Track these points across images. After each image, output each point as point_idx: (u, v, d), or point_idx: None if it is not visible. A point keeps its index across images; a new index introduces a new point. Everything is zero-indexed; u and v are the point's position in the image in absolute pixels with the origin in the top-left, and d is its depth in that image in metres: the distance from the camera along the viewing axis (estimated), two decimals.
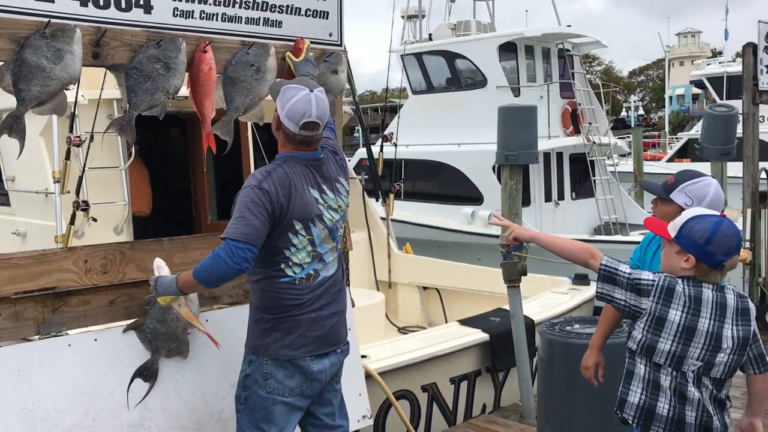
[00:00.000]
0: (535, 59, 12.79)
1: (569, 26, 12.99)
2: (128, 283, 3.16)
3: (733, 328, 2.47)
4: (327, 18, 3.76)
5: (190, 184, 7.98)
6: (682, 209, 2.81)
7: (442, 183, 12.95)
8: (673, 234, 2.50)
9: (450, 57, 13.15)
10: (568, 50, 13.11)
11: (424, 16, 14.01)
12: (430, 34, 13.99)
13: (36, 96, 2.78)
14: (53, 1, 2.89)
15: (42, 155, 6.25)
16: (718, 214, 2.56)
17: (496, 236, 11.93)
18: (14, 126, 2.82)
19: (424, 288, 8.40)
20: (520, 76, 12.60)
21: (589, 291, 6.73)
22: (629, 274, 2.49)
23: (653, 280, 2.46)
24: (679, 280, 2.46)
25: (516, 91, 12.39)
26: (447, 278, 8.25)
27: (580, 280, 6.96)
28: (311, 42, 3.69)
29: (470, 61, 12.79)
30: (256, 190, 2.82)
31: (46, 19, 2.82)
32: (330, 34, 3.78)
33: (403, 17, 13.81)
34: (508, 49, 12.53)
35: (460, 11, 14.70)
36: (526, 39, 12.38)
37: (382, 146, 9.13)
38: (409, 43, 13.80)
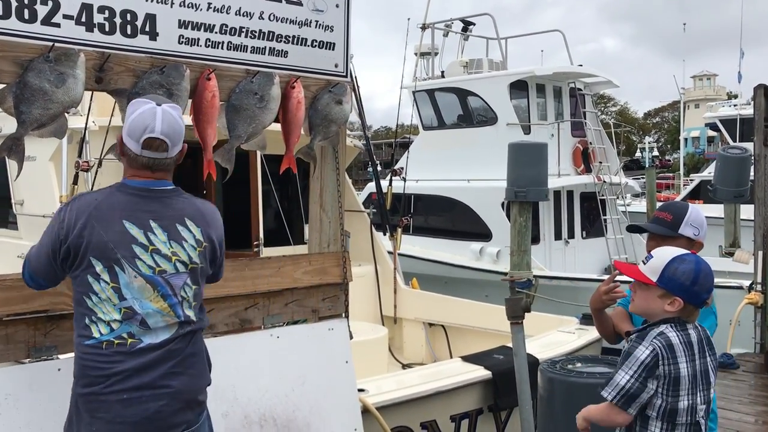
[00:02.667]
0: (546, 98, 12.83)
1: (581, 65, 13.05)
2: None
3: (712, 360, 2.48)
4: (333, 49, 3.78)
5: None
6: (691, 240, 2.82)
7: (451, 218, 12.92)
8: (654, 278, 2.44)
9: (462, 94, 13.23)
10: (579, 89, 13.15)
11: (437, 54, 14.13)
12: (442, 71, 14.10)
13: (37, 118, 2.80)
14: (59, 26, 2.92)
15: (51, 179, 6.31)
16: (686, 250, 2.54)
17: (505, 273, 11.85)
18: (14, 147, 2.84)
19: (430, 324, 8.31)
20: (531, 114, 12.63)
21: (596, 331, 6.62)
22: (632, 379, 2.36)
23: (653, 352, 2.37)
24: (668, 330, 2.41)
25: (526, 129, 12.41)
26: (453, 315, 8.17)
27: (588, 319, 6.85)
28: (318, 74, 3.71)
29: (481, 98, 12.86)
30: (57, 214, 2.47)
31: (51, 43, 2.85)
32: (336, 65, 3.80)
33: (416, 54, 13.93)
34: (519, 87, 12.60)
35: (473, 49, 14.83)
36: (537, 77, 12.44)
37: (391, 180, 9.13)
38: (422, 79, 13.89)
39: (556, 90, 12.95)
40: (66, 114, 2.88)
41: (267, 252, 7.46)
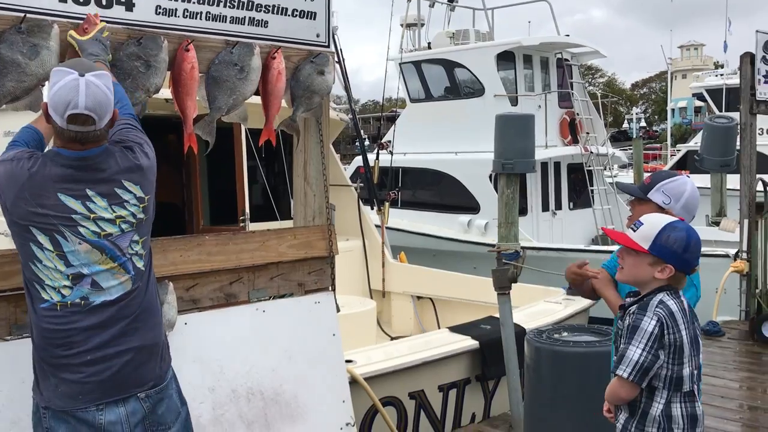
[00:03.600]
0: (533, 68, 12.77)
1: (567, 35, 12.98)
2: None
3: (698, 326, 2.48)
4: (314, 18, 3.71)
5: (183, 189, 7.95)
6: (661, 208, 2.82)
7: (438, 191, 12.90)
8: (645, 245, 2.43)
9: (449, 66, 13.14)
10: (566, 60, 13.10)
11: (423, 25, 14.00)
12: (429, 43, 13.98)
13: (10, 92, 2.74)
14: None
15: None
16: (675, 217, 2.54)
17: (492, 245, 11.87)
18: None
19: (418, 297, 8.34)
20: (518, 85, 12.58)
21: (583, 301, 6.66)
22: (644, 352, 2.35)
23: (659, 321, 2.36)
24: (666, 298, 2.40)
25: (514, 101, 12.36)
26: (441, 288, 8.19)
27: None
28: (299, 44, 3.64)
29: (468, 69, 12.77)
30: None
31: (23, 14, 2.77)
32: (317, 35, 3.74)
33: (402, 25, 13.80)
34: (506, 59, 12.52)
35: (460, 20, 14.70)
36: (524, 48, 12.37)
37: (378, 154, 9.09)
38: (408, 51, 13.77)
39: (543, 61, 12.89)
40: (41, 87, 2.81)
41: (254, 227, 7.41)
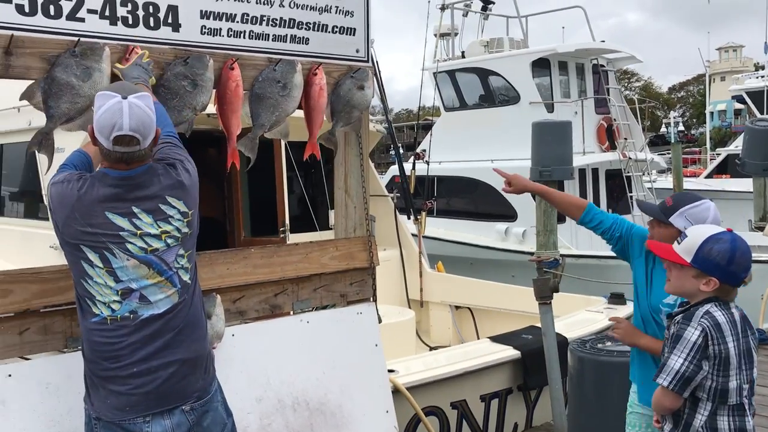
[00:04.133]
0: (569, 75, 12.71)
1: (603, 41, 12.89)
2: None
3: (753, 339, 2.45)
4: (354, 34, 3.78)
5: (225, 201, 8.08)
6: (682, 233, 2.79)
7: (475, 200, 12.88)
8: (688, 258, 2.42)
9: (483, 74, 13.14)
10: (602, 66, 13.00)
11: (456, 34, 14.03)
12: (462, 52, 14.01)
13: (65, 113, 2.85)
14: (83, 21, 2.96)
15: None
16: (722, 228, 2.52)
17: (531, 253, 11.81)
18: (43, 142, 2.89)
19: (457, 307, 8.33)
20: (553, 92, 12.52)
21: (625, 310, 6.59)
22: (686, 362, 2.33)
23: (703, 332, 2.35)
24: (713, 309, 2.39)
25: (549, 107, 12.31)
26: (480, 297, 8.17)
27: (616, 299, 6.83)
28: (339, 59, 3.71)
29: (503, 77, 12.77)
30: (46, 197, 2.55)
31: (77, 38, 2.89)
32: (357, 50, 3.80)
33: (436, 35, 13.85)
34: (541, 65, 12.49)
35: (493, 28, 14.71)
36: (559, 55, 12.33)
37: (414, 164, 9.13)
38: (442, 60, 13.81)
39: (578, 67, 12.81)
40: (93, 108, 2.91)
41: (293, 238, 7.50)
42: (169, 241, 2.51)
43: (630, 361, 3.10)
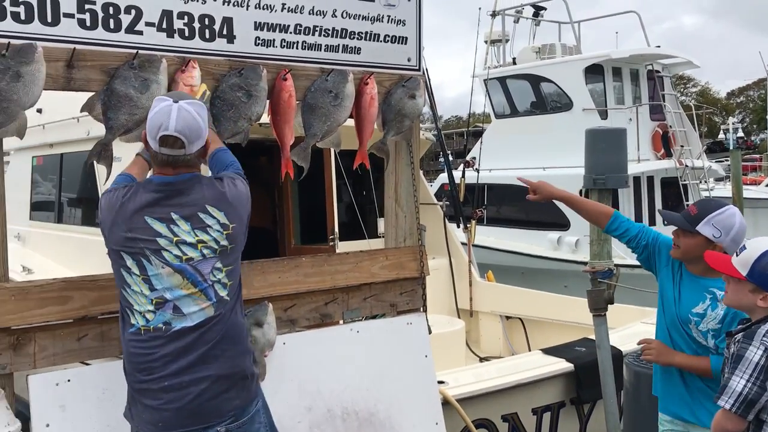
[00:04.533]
0: (623, 81, 12.48)
1: (658, 47, 12.62)
2: None
3: None
4: (406, 43, 3.77)
5: (275, 209, 8.17)
6: (710, 241, 2.76)
7: (526, 208, 12.72)
8: (744, 272, 2.33)
9: (534, 80, 13.00)
10: (658, 71, 12.73)
11: (507, 41, 13.92)
12: (513, 58, 13.89)
13: (123, 124, 2.91)
14: (142, 33, 3.02)
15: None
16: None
17: (584, 263, 11.59)
18: (102, 153, 2.96)
19: (507, 317, 8.22)
20: (607, 98, 12.31)
21: None
22: (749, 383, 2.24)
23: (766, 351, 2.25)
24: None
25: (603, 114, 12.10)
26: (531, 307, 8.05)
27: None
28: (390, 68, 3.71)
29: (556, 84, 12.61)
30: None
31: (135, 51, 2.95)
32: (408, 59, 3.79)
33: (486, 42, 13.76)
34: (594, 71, 12.29)
35: (544, 34, 14.56)
36: (613, 61, 12.11)
37: (464, 172, 9.08)
38: (493, 67, 13.72)
39: (633, 73, 12.57)
40: None
41: (342, 246, 7.53)
42: (205, 251, 2.46)
43: (653, 374, 3.05)
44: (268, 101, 3.30)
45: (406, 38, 3.78)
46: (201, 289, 2.46)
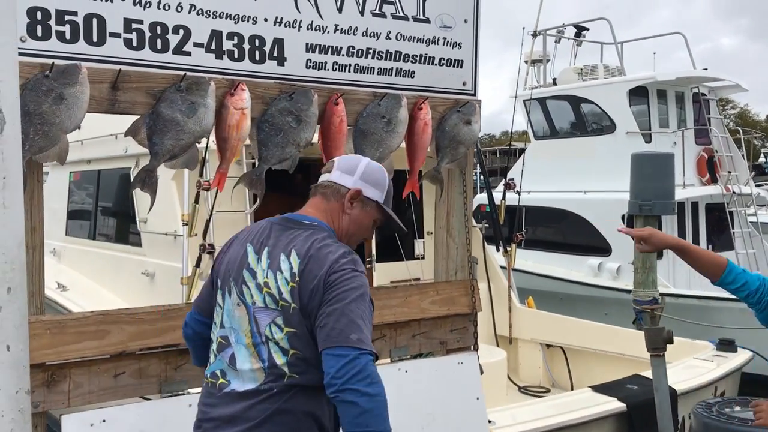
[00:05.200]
0: (667, 104, 12.13)
1: (705, 69, 12.27)
2: None
3: None
4: (461, 66, 3.59)
5: None
6: None
7: (565, 232, 12.42)
8: None
9: (575, 101, 12.72)
10: (703, 94, 12.36)
11: (548, 61, 13.67)
12: (554, 79, 13.63)
13: (169, 150, 2.76)
14: (190, 54, 2.89)
15: (173, 198, 6.46)
16: None
17: (627, 291, 11.24)
18: (147, 180, 2.81)
19: (548, 346, 7.95)
20: (651, 121, 11.97)
21: (736, 359, 6.10)
22: None
23: None
24: None
25: (647, 137, 11.77)
26: (573, 336, 7.77)
27: (726, 345, 6.34)
28: (445, 93, 3.54)
29: (598, 105, 12.32)
30: None
31: (182, 73, 2.81)
32: (464, 83, 3.61)
33: (526, 62, 13.53)
34: (638, 94, 11.98)
35: (586, 55, 14.29)
36: (658, 83, 11.78)
37: (504, 193, 8.84)
38: (532, 87, 13.48)
39: (678, 96, 12.23)
40: (197, 144, 2.82)
41: (379, 267, 7.36)
42: (267, 299, 2.11)
43: None
44: (317, 126, 3.15)
45: (462, 61, 3.60)
46: (255, 342, 2.11)
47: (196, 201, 5.93)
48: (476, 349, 3.62)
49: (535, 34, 12.98)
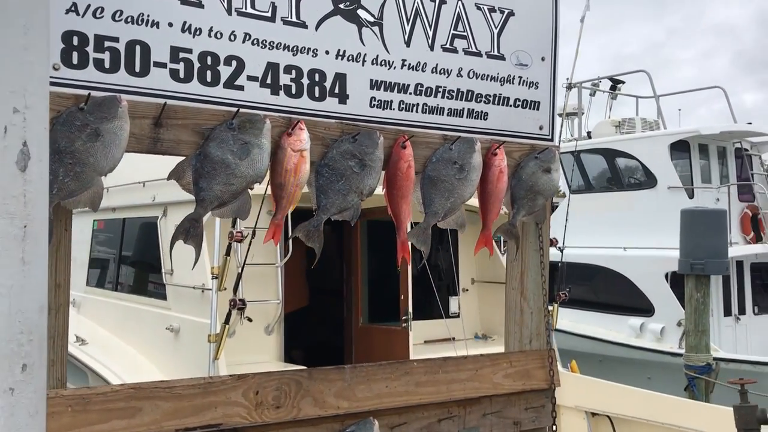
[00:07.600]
0: (709, 159, 11.73)
1: (750, 123, 11.89)
2: (303, 420, 2.61)
3: None
4: (538, 108, 3.22)
5: (343, 283, 7.59)
6: None
7: (603, 289, 11.88)
8: None
9: (610, 155, 12.36)
10: (746, 149, 11.96)
11: (582, 113, 13.36)
12: (589, 132, 13.29)
13: (218, 196, 2.38)
14: (243, 89, 2.54)
15: (202, 249, 6.10)
16: None
17: (671, 353, 10.64)
18: (191, 230, 2.43)
19: (593, 414, 7.38)
20: (693, 176, 11.55)
21: None
22: None
23: None
24: None
25: (690, 193, 11.32)
26: (620, 404, 7.19)
27: None
28: (521, 137, 3.15)
29: (638, 159, 11.93)
30: None
31: (235, 109, 2.45)
32: (540, 127, 3.23)
33: (560, 115, 13.24)
34: (679, 148, 11.60)
35: (620, 107, 13.99)
36: (701, 137, 11.40)
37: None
38: (566, 140, 13.14)
39: (720, 150, 11.84)
40: (249, 190, 2.44)
41: (416, 326, 6.90)
42: None
43: None
44: (383, 172, 2.76)
45: (539, 103, 3.23)
46: None
47: (228, 253, 5.55)
48: (556, 430, 3.14)
49: (569, 87, 12.70)
